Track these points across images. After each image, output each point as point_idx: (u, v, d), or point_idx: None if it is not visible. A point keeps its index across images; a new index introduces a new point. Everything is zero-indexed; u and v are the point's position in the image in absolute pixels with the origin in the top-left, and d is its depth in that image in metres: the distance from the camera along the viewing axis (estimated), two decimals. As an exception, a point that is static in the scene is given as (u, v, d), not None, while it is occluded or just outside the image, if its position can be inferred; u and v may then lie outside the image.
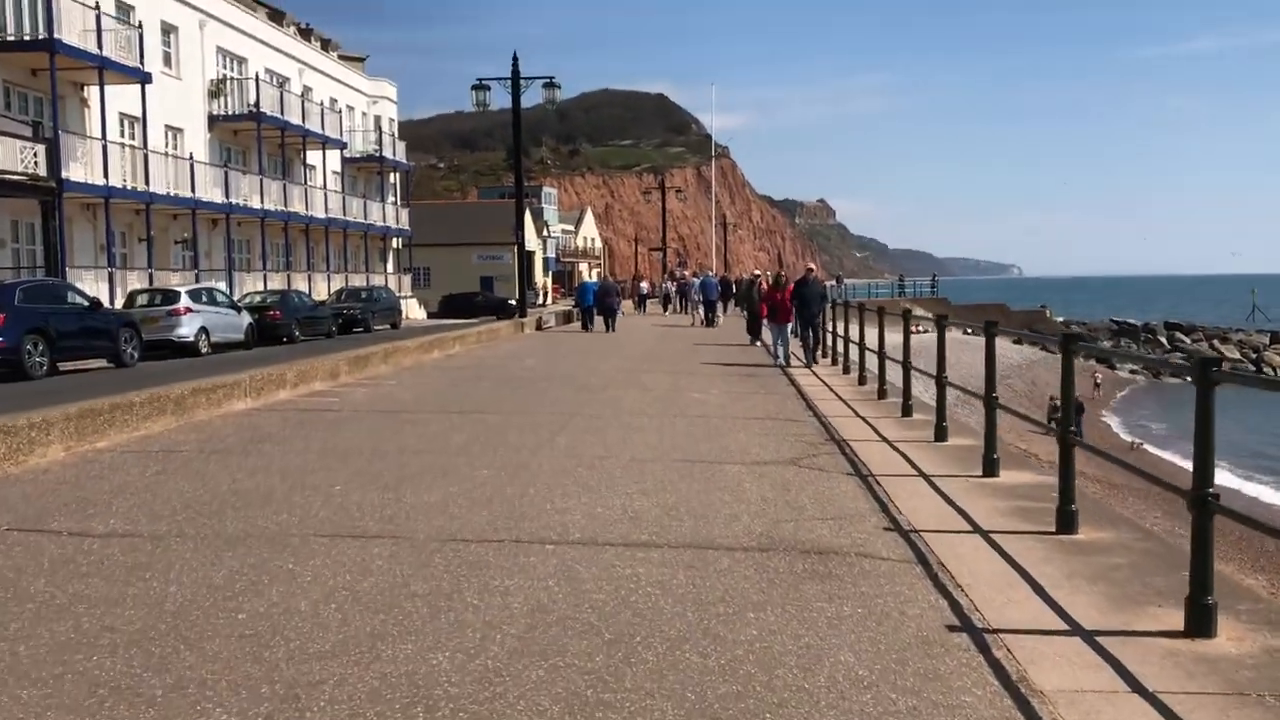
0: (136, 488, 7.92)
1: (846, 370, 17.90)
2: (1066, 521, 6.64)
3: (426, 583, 5.44)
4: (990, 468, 8.52)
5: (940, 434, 10.43)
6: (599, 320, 33.63)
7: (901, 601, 5.19)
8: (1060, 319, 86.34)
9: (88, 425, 9.43)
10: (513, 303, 43.40)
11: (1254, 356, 65.26)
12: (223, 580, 5.49)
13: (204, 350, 25.17)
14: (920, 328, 34.09)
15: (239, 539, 6.39)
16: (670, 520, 6.88)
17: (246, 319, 27.82)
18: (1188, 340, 76.44)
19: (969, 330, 51.92)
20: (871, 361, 16.16)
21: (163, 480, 8.22)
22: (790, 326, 18.64)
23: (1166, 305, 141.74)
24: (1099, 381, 52.16)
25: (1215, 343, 74.92)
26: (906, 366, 12.48)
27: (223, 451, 9.59)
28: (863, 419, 12.11)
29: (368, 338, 31.34)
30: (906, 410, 12.34)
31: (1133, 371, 62.31)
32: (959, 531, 6.74)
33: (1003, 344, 58.54)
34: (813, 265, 19.06)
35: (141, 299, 25.83)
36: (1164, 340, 75.28)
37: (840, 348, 18.74)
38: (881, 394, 14.20)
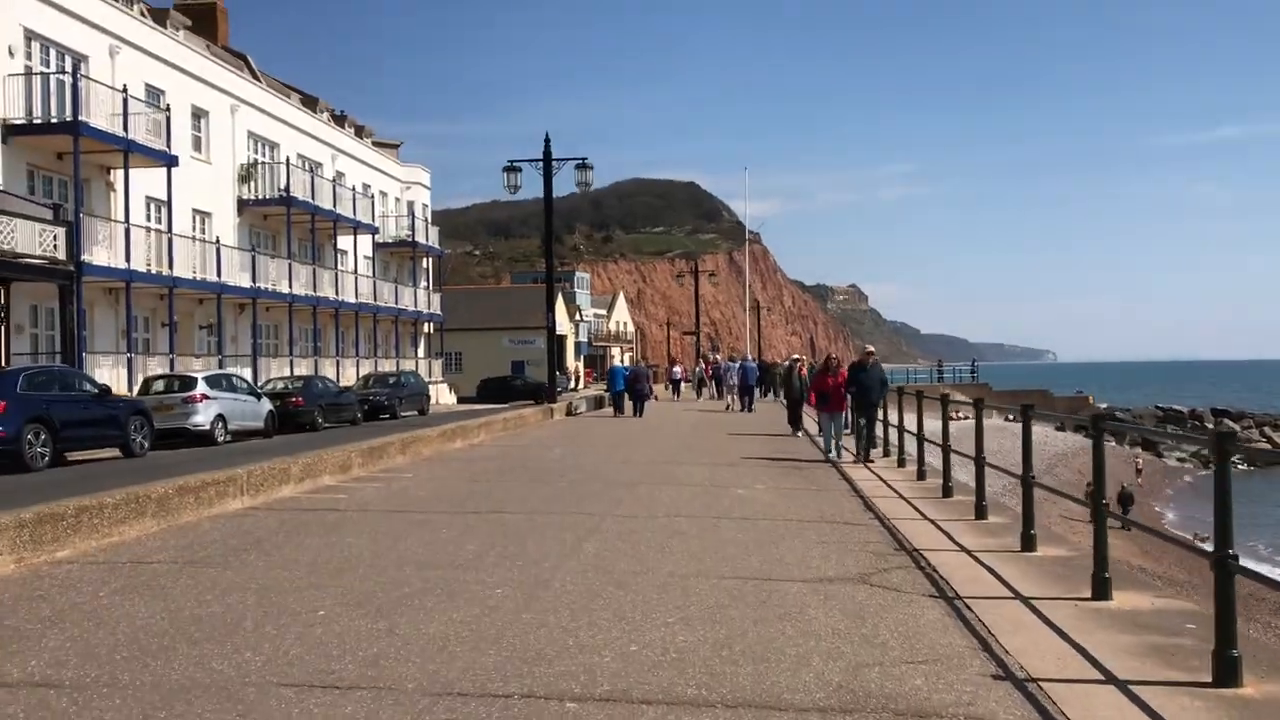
0: (82, 613, 6.65)
1: (901, 463, 16.48)
2: (1228, 670, 5.22)
3: (406, 766, 4.11)
4: (1101, 589, 7.11)
5: (1028, 542, 9.00)
6: (629, 405, 32.87)
7: (1049, 804, 3.80)
8: (1103, 405, 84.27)
9: (46, 532, 8.21)
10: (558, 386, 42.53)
11: (1309, 445, 63.00)
12: (140, 759, 4.19)
13: (221, 439, 24.13)
14: (959, 413, 32.52)
15: (182, 690, 5.08)
16: (723, 664, 5.52)
17: (267, 406, 26.83)
18: (1238, 428, 74.11)
19: (1010, 417, 50.27)
20: (931, 455, 14.78)
21: (117, 603, 6.95)
22: (843, 416, 16.92)
23: (1204, 390, 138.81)
24: (1140, 468, 50.10)
25: (1267, 429, 72.64)
26: (980, 463, 11.08)
27: (199, 563, 8.33)
28: (931, 522, 10.70)
29: (393, 425, 30.23)
30: (980, 511, 10.93)
31: (1180, 460, 60.09)
32: (1089, 681, 5.33)
33: (1047, 431, 56.32)
34: (871, 348, 17.14)
35: (157, 385, 24.89)
36: (1212, 427, 72.93)
37: (894, 438, 17.29)
38: (947, 492, 12.77)
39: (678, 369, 53.21)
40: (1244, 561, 6.12)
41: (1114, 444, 61.64)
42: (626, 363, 74.23)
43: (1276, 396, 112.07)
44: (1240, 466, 57.45)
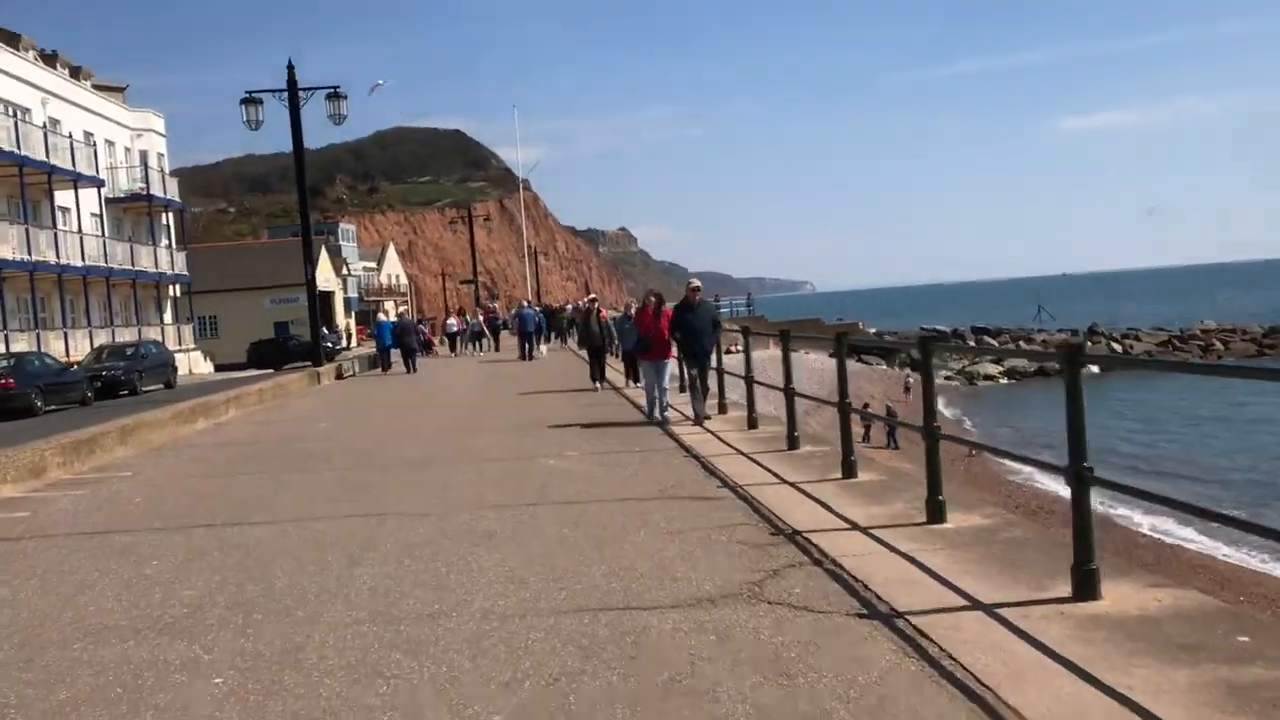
0: None
1: (723, 409, 14.50)
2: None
3: None
4: (1086, 584, 5.17)
5: (936, 512, 7.06)
6: (401, 363, 30.36)
7: None
8: (873, 330, 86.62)
9: None
10: (329, 345, 38.84)
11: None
12: None
13: (-98, 437, 19.69)
14: (735, 347, 30.60)
15: None
16: (607, 829, 3.16)
17: (-34, 393, 22.37)
18: (995, 344, 77.79)
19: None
20: (766, 402, 12.85)
21: None
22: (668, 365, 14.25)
23: (955, 312, 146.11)
24: (910, 385, 50.99)
25: (1021, 344, 76.51)
26: (845, 409, 9.12)
27: None
28: (794, 486, 8.66)
29: (133, 403, 26.09)
30: (849, 469, 8.96)
31: (947, 378, 62.13)
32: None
33: (820, 359, 57.28)
34: (697, 282, 14.15)
35: None
36: (974, 344, 76.24)
37: (711, 382, 15.17)
38: (793, 443, 10.81)
39: (453, 321, 49.67)
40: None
41: (884, 366, 63.10)
42: (397, 316, 70.17)
43: (1017, 313, 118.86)
44: (1000, 381, 60.56)
